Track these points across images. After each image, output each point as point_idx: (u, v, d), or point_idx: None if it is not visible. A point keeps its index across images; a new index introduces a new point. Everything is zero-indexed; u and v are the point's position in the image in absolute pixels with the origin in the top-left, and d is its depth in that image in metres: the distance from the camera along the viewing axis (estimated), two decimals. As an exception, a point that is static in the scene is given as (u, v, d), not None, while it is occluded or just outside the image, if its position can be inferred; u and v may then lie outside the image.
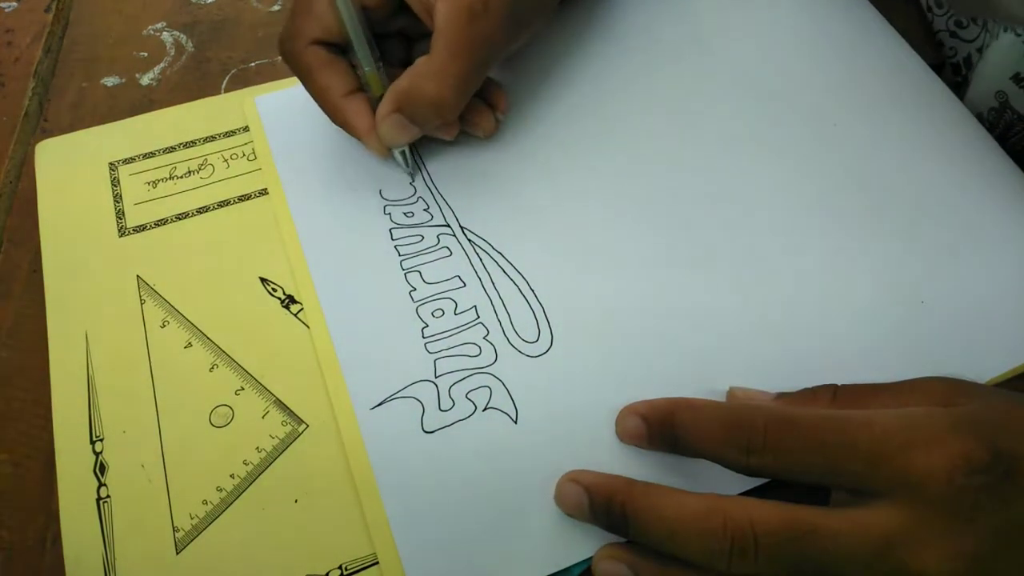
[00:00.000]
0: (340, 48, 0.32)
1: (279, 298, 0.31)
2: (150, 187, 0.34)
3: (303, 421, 0.28)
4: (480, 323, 0.30)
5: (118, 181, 0.34)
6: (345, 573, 0.25)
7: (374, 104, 0.31)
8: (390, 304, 0.30)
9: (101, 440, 0.27)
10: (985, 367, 0.28)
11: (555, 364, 0.28)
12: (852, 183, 0.33)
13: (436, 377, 0.28)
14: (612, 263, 0.31)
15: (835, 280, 0.30)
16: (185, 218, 0.33)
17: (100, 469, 0.27)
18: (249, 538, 0.25)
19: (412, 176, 0.34)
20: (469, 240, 0.32)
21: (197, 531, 0.26)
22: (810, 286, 0.30)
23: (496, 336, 0.29)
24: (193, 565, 0.25)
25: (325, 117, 0.33)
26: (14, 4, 0.40)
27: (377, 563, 0.25)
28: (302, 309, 0.30)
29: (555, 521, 0.25)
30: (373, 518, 0.25)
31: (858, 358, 0.28)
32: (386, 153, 0.32)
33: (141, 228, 0.33)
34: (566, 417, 0.27)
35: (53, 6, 0.40)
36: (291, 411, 0.28)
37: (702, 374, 0.28)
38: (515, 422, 0.27)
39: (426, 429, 0.27)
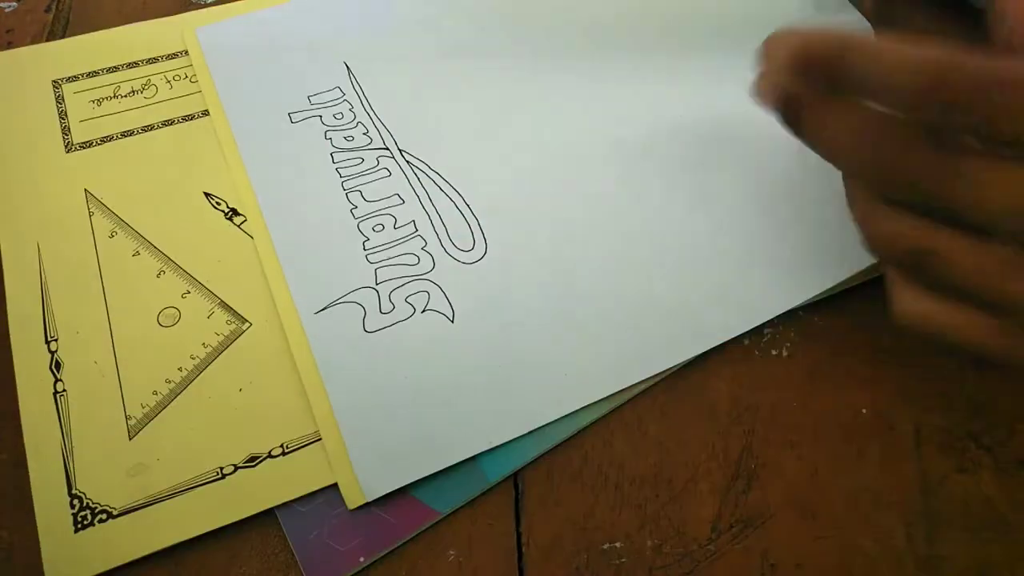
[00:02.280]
0: None
1: (223, 211, 0.32)
2: (95, 105, 0.35)
3: (246, 320, 0.30)
4: (418, 235, 0.32)
5: (63, 99, 0.35)
6: (287, 450, 0.27)
7: None
8: (332, 220, 0.32)
9: (56, 340, 0.29)
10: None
11: (489, 269, 0.31)
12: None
13: (377, 284, 0.30)
14: (544, 178, 0.33)
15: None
16: (130, 135, 0.34)
17: (56, 366, 0.29)
18: (196, 424, 0.27)
19: None
20: (407, 161, 0.34)
21: (148, 419, 0.28)
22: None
23: (433, 246, 0.31)
24: (145, 449, 0.27)
25: (266, 45, 0.33)
26: (14, 4, 0.40)
27: (319, 440, 0.27)
28: (245, 221, 0.32)
29: (488, 405, 0.28)
30: (316, 401, 0.28)
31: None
32: None
33: (87, 144, 0.34)
34: (499, 314, 0.30)
35: (53, 6, 0.40)
36: (235, 311, 0.30)
37: (627, 278, 0.31)
38: (452, 321, 0.30)
39: (368, 329, 0.29)
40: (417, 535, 0.26)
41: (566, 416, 0.28)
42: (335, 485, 0.26)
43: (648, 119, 0.35)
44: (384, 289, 0.30)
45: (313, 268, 0.31)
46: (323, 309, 0.30)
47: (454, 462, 0.27)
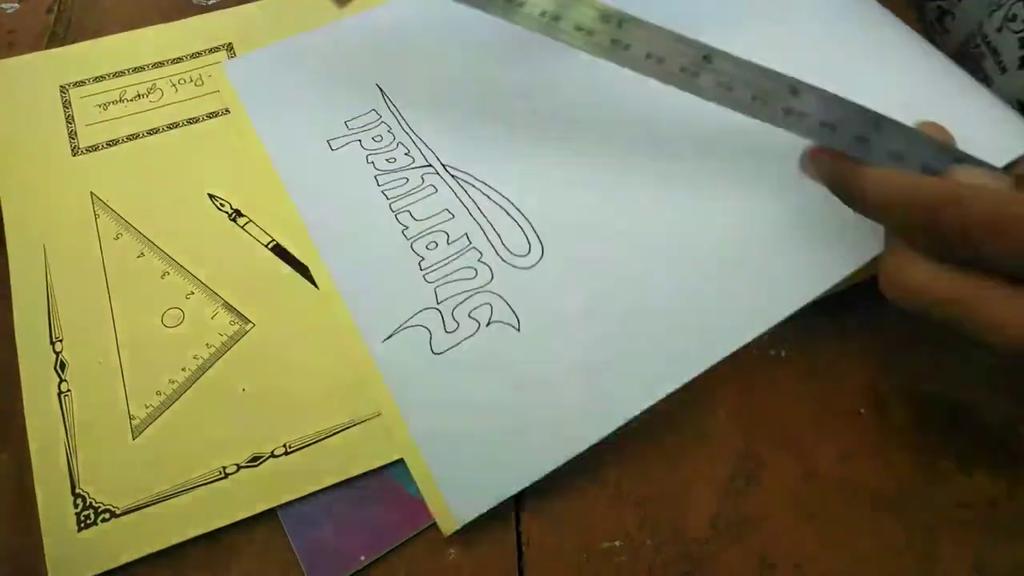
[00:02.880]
0: None
1: (227, 212, 0.33)
2: (101, 109, 0.35)
3: (249, 321, 0.30)
4: (473, 248, 0.31)
5: (69, 103, 0.36)
6: (289, 450, 0.27)
7: None
8: (385, 245, 0.31)
9: (61, 341, 0.29)
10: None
11: (548, 271, 0.30)
12: None
13: (439, 303, 0.30)
14: (590, 172, 0.33)
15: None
16: (136, 139, 0.35)
17: (60, 366, 0.29)
18: (199, 422, 0.28)
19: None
20: (452, 175, 0.33)
21: (152, 418, 0.28)
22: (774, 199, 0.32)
23: (489, 256, 0.31)
24: (148, 448, 0.27)
25: (296, 74, 0.34)
26: (15, 5, 0.40)
27: (321, 440, 0.27)
28: (249, 222, 0.32)
29: (567, 411, 0.27)
30: (396, 430, 0.27)
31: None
32: None
33: (94, 148, 0.34)
34: (565, 316, 0.29)
35: (55, 7, 0.40)
36: (238, 312, 0.30)
37: (687, 270, 0.30)
38: (518, 330, 0.29)
39: (435, 351, 0.29)
40: (417, 535, 0.26)
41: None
42: (337, 484, 0.26)
43: (677, 131, 0.34)
44: (446, 307, 0.30)
45: (373, 295, 0.30)
46: (389, 336, 0.29)
47: (542, 474, 0.26)
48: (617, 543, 0.26)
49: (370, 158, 0.34)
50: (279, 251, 0.32)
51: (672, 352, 0.28)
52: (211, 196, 0.33)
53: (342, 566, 0.25)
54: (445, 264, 0.31)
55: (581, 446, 0.27)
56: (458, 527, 0.26)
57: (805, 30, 0.37)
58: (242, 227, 0.32)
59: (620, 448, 0.28)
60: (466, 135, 0.35)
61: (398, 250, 0.32)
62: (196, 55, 0.37)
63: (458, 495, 0.26)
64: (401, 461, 0.27)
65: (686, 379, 0.28)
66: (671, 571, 0.26)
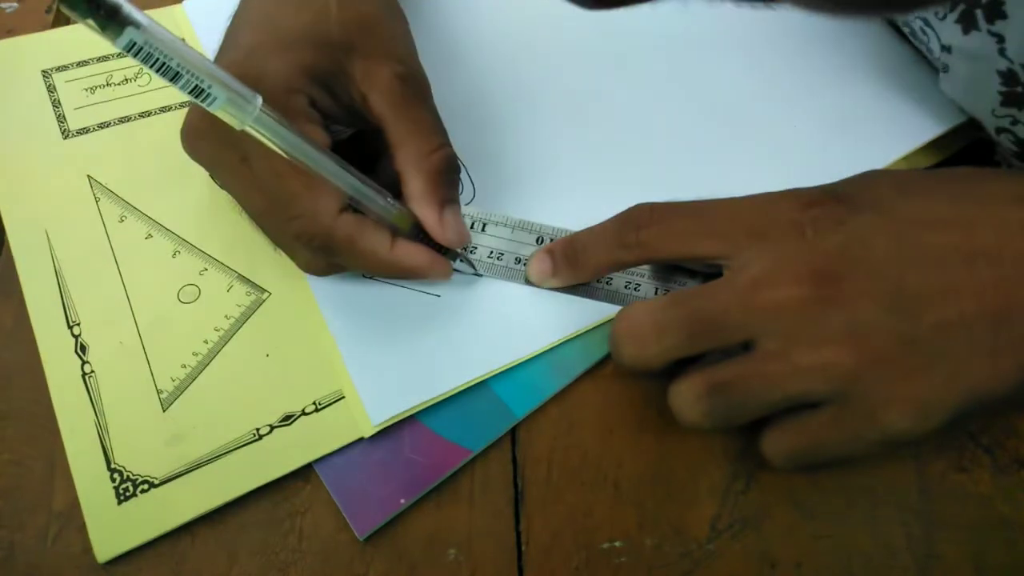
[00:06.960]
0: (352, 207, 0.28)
1: (231, 192, 0.33)
2: (88, 93, 0.35)
3: (265, 290, 0.31)
4: None
5: (54, 87, 0.36)
6: (320, 407, 0.28)
7: (410, 236, 0.29)
8: None
9: (78, 325, 0.30)
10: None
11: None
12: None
13: None
14: (529, 122, 0.35)
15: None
16: (128, 121, 0.35)
17: (81, 349, 0.29)
18: (228, 391, 0.29)
19: (479, 273, 0.31)
20: None
21: (180, 391, 0.29)
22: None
23: None
24: (179, 419, 0.28)
25: None
26: (15, 5, 0.39)
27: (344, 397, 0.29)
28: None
29: (480, 335, 0.29)
30: (332, 360, 0.29)
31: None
32: (450, 271, 0.30)
33: (85, 131, 0.34)
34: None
35: (54, 7, 0.39)
36: (253, 283, 0.31)
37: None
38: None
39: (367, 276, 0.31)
40: (418, 536, 0.27)
41: (580, 346, 0.29)
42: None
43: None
44: None
45: None
46: None
47: (458, 386, 0.28)
48: (617, 543, 0.27)
49: None
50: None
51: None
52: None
53: (382, 510, 0.27)
54: None
55: (493, 365, 0.29)
56: (373, 428, 0.28)
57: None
58: (247, 203, 0.33)
59: (619, 448, 0.28)
60: None
61: None
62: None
63: (375, 399, 0.28)
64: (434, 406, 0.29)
65: (597, 322, 0.30)
66: (671, 571, 0.26)
